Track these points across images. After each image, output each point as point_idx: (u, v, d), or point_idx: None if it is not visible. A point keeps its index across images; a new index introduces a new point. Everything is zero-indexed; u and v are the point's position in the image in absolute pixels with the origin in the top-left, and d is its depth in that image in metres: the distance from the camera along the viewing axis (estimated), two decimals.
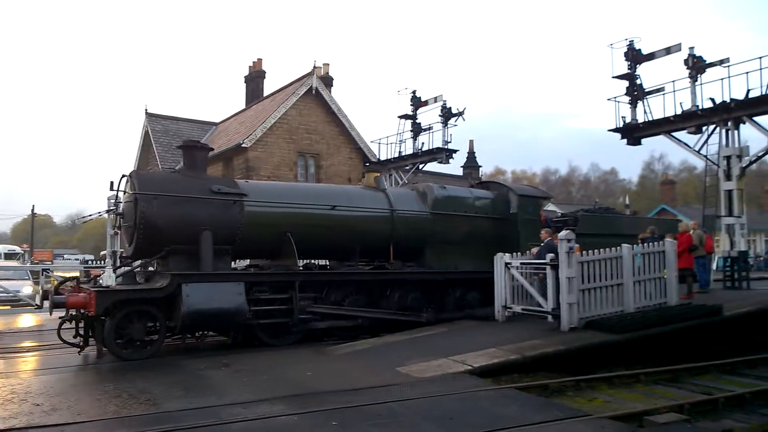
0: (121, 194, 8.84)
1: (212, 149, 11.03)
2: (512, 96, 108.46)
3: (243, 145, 22.28)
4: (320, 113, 24.61)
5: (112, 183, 8.64)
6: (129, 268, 9.07)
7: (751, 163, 14.14)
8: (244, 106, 30.08)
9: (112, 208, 8.82)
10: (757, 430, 5.73)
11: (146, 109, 28.34)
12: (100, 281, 8.58)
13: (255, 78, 29.99)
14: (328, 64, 27.63)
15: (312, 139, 24.37)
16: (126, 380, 6.62)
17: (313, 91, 24.10)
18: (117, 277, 8.37)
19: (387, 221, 10.66)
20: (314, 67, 24.63)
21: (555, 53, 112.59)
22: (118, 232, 9.14)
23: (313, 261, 10.93)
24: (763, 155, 14.38)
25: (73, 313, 8.35)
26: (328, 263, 11.17)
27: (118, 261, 9.10)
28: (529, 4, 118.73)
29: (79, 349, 8.48)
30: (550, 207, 15.44)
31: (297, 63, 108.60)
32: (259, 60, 30.12)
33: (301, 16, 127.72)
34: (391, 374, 7.09)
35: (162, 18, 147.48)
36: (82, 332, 8.56)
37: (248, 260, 11.06)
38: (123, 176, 8.92)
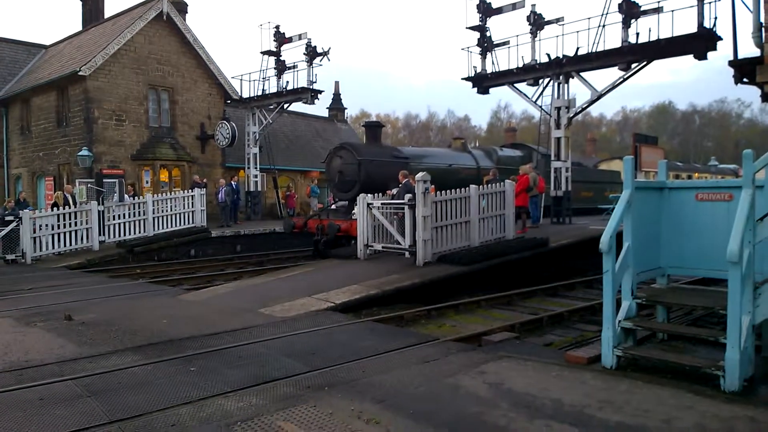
0: (338, 159, 13.33)
1: (384, 126, 16.84)
2: (378, 41, 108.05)
3: (80, 73, 19.54)
4: (173, 42, 22.32)
5: (331, 152, 13.78)
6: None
7: (576, 113, 16.00)
8: (80, 29, 26.12)
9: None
10: (571, 342, 6.82)
11: None
12: (353, 215, 12.03)
13: None
14: None
15: (164, 71, 22.13)
16: None
17: (164, 17, 21.68)
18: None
19: (476, 171, 16.29)
20: None
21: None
22: None
23: None
24: (587, 107, 16.38)
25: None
26: None
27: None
28: None
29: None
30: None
31: None
32: None
33: None
34: (253, 316, 7.15)
35: None
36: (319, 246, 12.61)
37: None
38: (341, 146, 13.70)
